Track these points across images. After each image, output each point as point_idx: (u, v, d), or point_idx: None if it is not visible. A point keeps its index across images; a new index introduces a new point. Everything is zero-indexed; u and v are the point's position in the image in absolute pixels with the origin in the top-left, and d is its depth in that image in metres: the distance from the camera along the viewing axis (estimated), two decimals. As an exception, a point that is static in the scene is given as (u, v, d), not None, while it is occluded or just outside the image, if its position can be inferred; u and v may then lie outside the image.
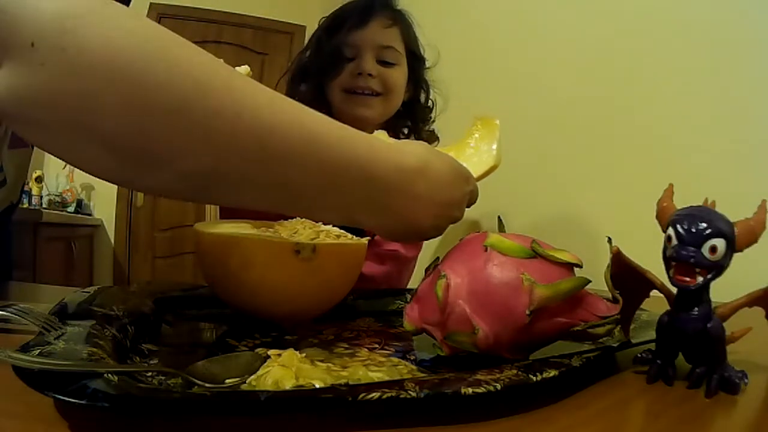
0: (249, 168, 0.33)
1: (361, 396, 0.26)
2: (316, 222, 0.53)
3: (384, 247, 0.87)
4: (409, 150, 0.40)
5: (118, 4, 0.30)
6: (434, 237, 0.44)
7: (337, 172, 0.36)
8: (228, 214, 0.84)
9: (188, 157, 0.31)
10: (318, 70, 0.90)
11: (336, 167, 0.35)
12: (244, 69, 0.43)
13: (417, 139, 0.94)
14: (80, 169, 0.33)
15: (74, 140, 0.30)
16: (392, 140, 0.44)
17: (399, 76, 0.90)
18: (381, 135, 0.56)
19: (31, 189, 2.68)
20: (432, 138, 0.97)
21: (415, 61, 0.94)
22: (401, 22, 0.92)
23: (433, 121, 0.98)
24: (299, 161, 0.34)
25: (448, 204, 0.42)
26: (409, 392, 0.27)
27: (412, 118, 0.95)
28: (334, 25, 0.90)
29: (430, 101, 0.98)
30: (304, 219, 0.55)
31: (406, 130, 0.98)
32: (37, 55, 0.27)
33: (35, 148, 0.71)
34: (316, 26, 0.94)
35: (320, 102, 0.87)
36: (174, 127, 0.30)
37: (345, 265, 0.49)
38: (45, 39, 0.27)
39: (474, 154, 0.62)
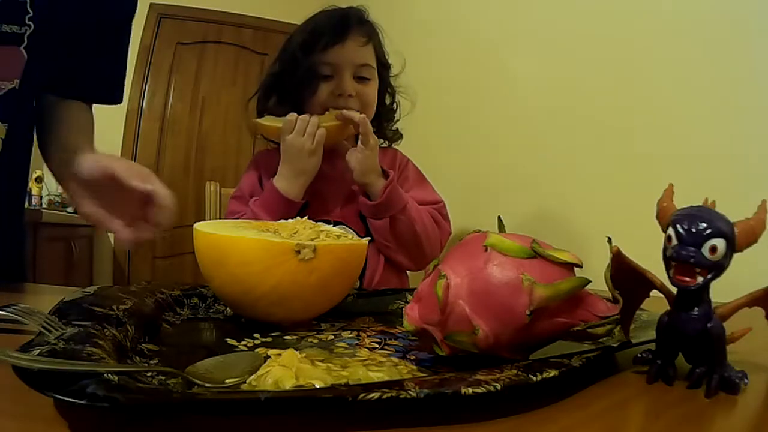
0: None
1: (361, 396, 0.26)
2: None
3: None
4: None
5: None
6: None
7: None
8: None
9: None
10: (294, 87, 0.90)
11: None
12: None
13: (381, 137, 0.96)
14: None
15: None
16: None
17: (374, 89, 0.91)
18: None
19: (31, 189, 2.67)
20: (396, 136, 0.99)
21: (384, 70, 0.96)
22: (374, 36, 0.93)
23: (398, 120, 1.00)
24: None
25: None
26: (409, 392, 0.27)
27: (378, 119, 0.96)
28: (311, 41, 0.89)
29: (395, 104, 0.99)
30: (304, 219, 0.55)
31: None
32: None
33: (33, 148, 0.71)
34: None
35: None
36: None
37: (345, 265, 0.49)
38: None
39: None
